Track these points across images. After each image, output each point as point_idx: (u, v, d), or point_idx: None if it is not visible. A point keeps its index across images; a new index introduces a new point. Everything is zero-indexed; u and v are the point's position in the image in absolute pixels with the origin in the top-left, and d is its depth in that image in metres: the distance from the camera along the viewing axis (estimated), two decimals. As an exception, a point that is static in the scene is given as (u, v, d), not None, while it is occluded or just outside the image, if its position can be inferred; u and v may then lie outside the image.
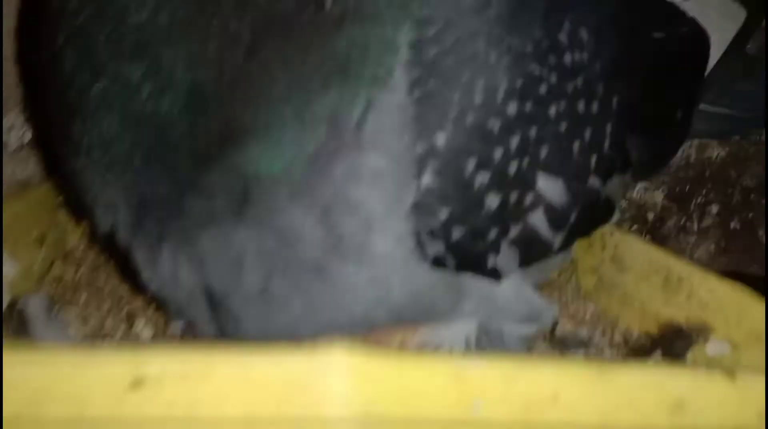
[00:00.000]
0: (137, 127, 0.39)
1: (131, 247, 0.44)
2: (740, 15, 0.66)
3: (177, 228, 0.42)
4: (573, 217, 0.47)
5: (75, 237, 0.60)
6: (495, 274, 0.46)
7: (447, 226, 0.42)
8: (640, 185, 0.82)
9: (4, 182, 0.57)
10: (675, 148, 0.61)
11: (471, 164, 0.42)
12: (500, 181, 0.43)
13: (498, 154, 0.43)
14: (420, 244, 0.42)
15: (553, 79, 0.45)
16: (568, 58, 0.46)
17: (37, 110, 0.55)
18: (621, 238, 0.63)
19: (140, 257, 0.45)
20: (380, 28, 0.40)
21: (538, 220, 0.46)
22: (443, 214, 0.42)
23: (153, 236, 0.43)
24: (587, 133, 0.47)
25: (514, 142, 0.43)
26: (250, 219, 0.40)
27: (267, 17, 0.39)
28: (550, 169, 0.45)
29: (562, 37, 0.47)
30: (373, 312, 0.44)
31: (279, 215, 0.40)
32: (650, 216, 0.82)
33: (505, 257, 0.46)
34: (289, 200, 0.40)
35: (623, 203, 0.80)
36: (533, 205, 0.45)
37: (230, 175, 0.39)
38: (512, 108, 0.43)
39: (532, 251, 0.47)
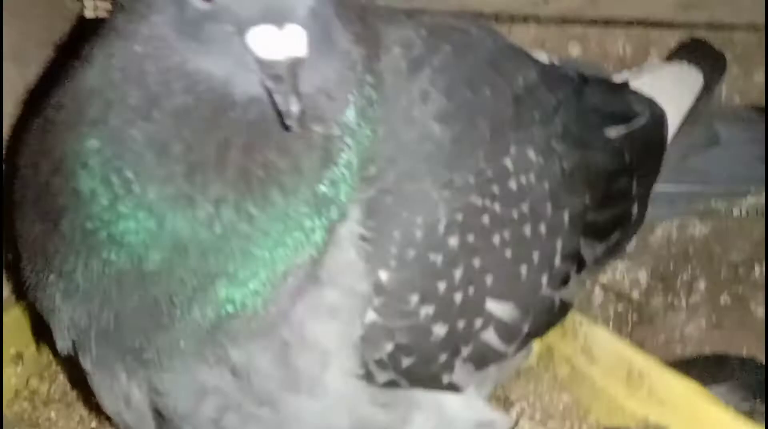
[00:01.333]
0: (108, 272, 0.39)
1: (91, 371, 0.46)
2: (697, 79, 0.66)
3: (139, 360, 0.42)
4: (526, 328, 0.48)
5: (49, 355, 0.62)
6: (453, 388, 0.47)
7: (395, 356, 0.43)
8: (621, 265, 0.82)
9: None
10: (631, 237, 0.60)
11: (415, 298, 0.43)
12: (446, 312, 0.44)
13: (442, 286, 0.43)
14: (368, 374, 0.43)
15: (497, 207, 0.45)
16: (513, 184, 0.47)
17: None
18: (589, 328, 0.63)
19: (98, 380, 0.46)
20: (340, 159, 0.40)
21: (490, 337, 0.46)
22: (389, 346, 0.43)
23: (112, 364, 0.43)
24: (535, 256, 0.48)
25: (458, 274, 0.44)
26: (212, 357, 0.41)
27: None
28: (498, 294, 0.46)
29: (507, 162, 0.47)
30: None
31: (238, 353, 0.41)
32: (635, 295, 0.82)
33: (461, 373, 0.46)
34: (248, 339, 0.40)
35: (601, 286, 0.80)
36: (484, 326, 0.46)
37: (198, 318, 0.40)
38: (453, 241, 0.43)
39: (487, 361, 0.47)
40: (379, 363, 0.43)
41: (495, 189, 0.46)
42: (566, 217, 0.50)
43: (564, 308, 0.52)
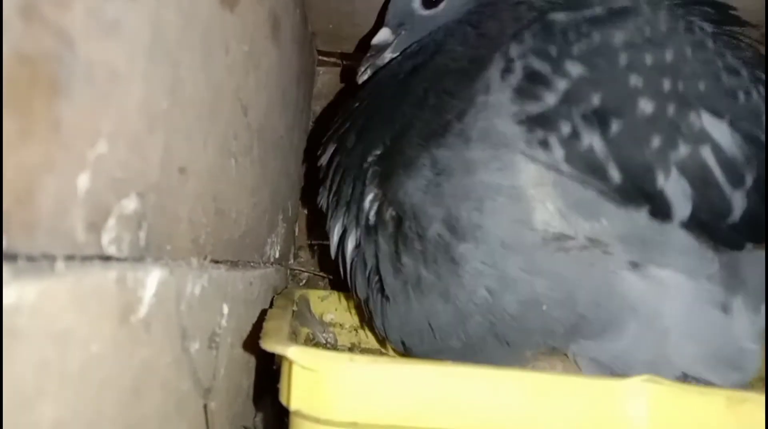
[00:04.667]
0: None
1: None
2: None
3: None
4: (749, 181, 0.43)
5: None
6: (664, 206, 0.43)
7: (602, 115, 0.42)
8: None
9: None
10: None
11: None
12: (656, 90, 0.43)
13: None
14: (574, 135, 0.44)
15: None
16: None
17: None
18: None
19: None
20: None
21: (707, 155, 0.43)
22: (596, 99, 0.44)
23: None
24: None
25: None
26: None
27: None
28: (712, 108, 0.43)
29: None
30: None
31: None
32: None
33: (675, 184, 0.43)
34: None
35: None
36: (699, 138, 0.43)
37: None
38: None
39: (706, 194, 0.43)
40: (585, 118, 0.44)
41: None
42: None
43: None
